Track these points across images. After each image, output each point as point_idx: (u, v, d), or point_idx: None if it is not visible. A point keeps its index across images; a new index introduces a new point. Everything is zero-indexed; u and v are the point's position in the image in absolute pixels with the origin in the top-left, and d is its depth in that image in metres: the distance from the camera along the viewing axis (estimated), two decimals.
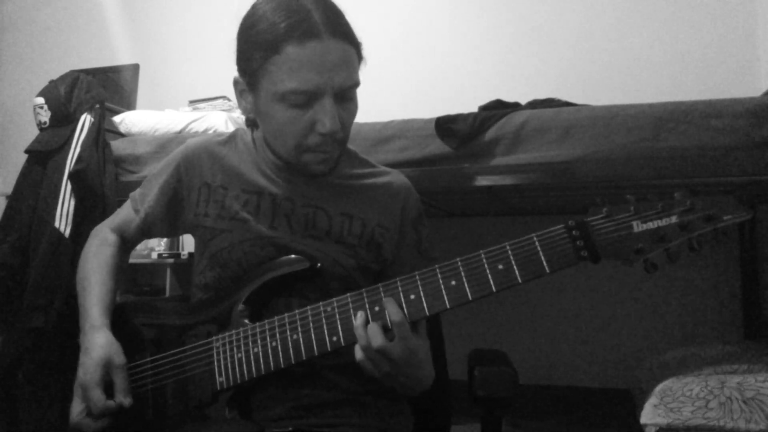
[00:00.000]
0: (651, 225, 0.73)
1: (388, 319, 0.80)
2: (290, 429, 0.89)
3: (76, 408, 0.92)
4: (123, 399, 0.90)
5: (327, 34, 0.86)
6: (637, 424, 1.49)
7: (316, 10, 0.87)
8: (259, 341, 0.88)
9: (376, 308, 0.82)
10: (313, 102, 0.89)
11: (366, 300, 0.83)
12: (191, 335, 0.95)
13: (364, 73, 0.96)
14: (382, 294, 0.82)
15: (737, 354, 1.70)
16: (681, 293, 2.41)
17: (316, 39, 0.85)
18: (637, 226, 0.74)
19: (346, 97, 0.92)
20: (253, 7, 0.93)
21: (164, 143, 2.09)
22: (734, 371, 1.51)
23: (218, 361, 0.90)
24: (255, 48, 0.89)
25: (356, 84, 0.92)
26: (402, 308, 0.81)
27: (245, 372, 0.88)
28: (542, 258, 0.76)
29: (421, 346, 0.83)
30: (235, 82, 0.98)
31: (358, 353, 0.81)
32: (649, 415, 1.45)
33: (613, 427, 1.87)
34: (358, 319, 0.82)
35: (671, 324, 2.41)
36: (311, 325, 0.85)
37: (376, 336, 0.79)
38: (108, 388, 0.91)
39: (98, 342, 0.93)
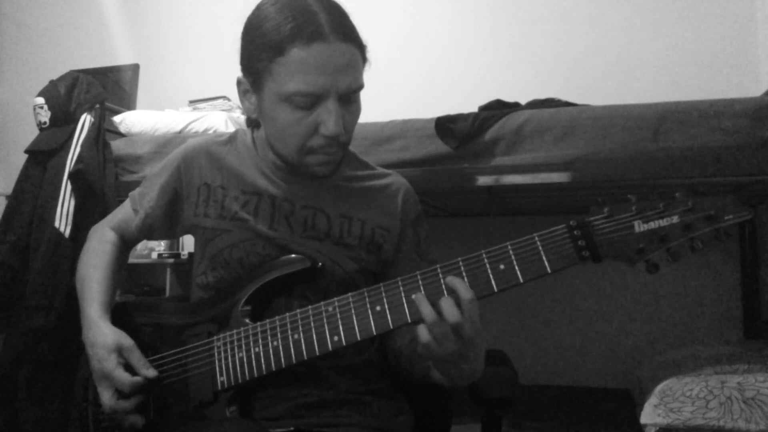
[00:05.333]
0: (652, 225, 0.73)
1: (458, 295, 0.77)
2: (291, 429, 0.89)
3: (105, 395, 0.92)
4: (147, 372, 0.91)
5: (333, 37, 0.85)
6: (637, 424, 1.49)
7: (322, 11, 0.87)
8: (260, 341, 0.88)
9: (378, 308, 0.82)
10: (317, 104, 0.89)
11: (367, 299, 0.83)
12: (192, 335, 0.95)
13: (366, 73, 0.96)
14: (384, 295, 0.82)
15: (737, 354, 1.70)
16: (681, 293, 2.40)
17: (322, 41, 0.85)
18: (639, 226, 0.74)
19: (350, 99, 0.92)
20: (258, 7, 0.92)
21: (164, 143, 2.09)
22: (734, 371, 1.51)
23: (219, 360, 0.90)
24: (260, 49, 0.89)
25: (360, 87, 0.92)
26: (405, 307, 0.80)
27: (246, 372, 0.88)
28: (544, 258, 0.76)
29: (483, 330, 0.81)
30: (239, 83, 0.98)
31: (424, 333, 0.77)
32: (649, 415, 1.45)
33: (613, 427, 1.87)
34: (420, 297, 0.79)
35: (671, 324, 2.41)
36: (312, 324, 0.85)
37: (452, 311, 0.75)
38: (127, 369, 0.92)
39: (102, 332, 0.95)
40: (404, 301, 0.81)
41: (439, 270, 0.80)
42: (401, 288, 0.81)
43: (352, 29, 0.90)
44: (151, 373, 0.91)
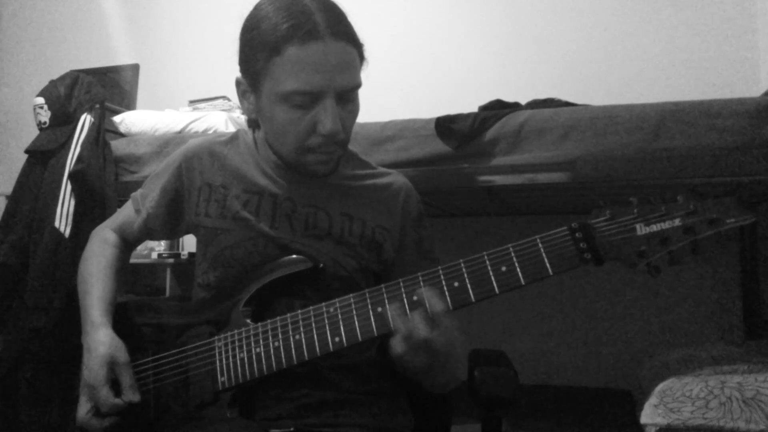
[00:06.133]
0: (654, 228, 0.73)
1: (428, 309, 0.78)
2: (291, 429, 0.89)
3: (83, 407, 0.92)
4: (131, 396, 0.90)
5: (329, 36, 0.86)
6: (637, 424, 1.49)
7: (318, 11, 0.87)
8: (261, 341, 0.88)
9: (379, 309, 0.82)
10: (314, 103, 0.89)
11: (369, 301, 0.83)
12: (193, 335, 0.95)
13: (365, 73, 0.96)
14: (385, 295, 0.82)
15: (737, 354, 1.70)
16: (681, 293, 2.40)
17: (318, 40, 0.85)
18: (641, 229, 0.74)
19: (347, 98, 0.92)
20: (256, 7, 0.93)
21: (164, 143, 2.09)
22: (734, 371, 1.51)
23: (220, 360, 0.90)
24: (257, 49, 0.89)
25: (358, 85, 0.93)
26: (407, 308, 0.80)
27: (247, 372, 0.88)
28: (545, 260, 0.76)
29: (459, 340, 0.81)
30: (238, 83, 0.98)
31: (399, 345, 0.77)
32: (649, 415, 1.45)
33: (613, 427, 1.87)
34: (394, 309, 0.79)
35: (671, 324, 2.41)
36: (313, 325, 0.85)
37: (421, 326, 0.76)
38: (114, 386, 0.91)
39: (100, 340, 0.93)
40: (406, 302, 0.81)
41: (440, 272, 0.80)
42: (403, 289, 0.81)
43: (348, 28, 0.91)
44: (135, 398, 0.91)
